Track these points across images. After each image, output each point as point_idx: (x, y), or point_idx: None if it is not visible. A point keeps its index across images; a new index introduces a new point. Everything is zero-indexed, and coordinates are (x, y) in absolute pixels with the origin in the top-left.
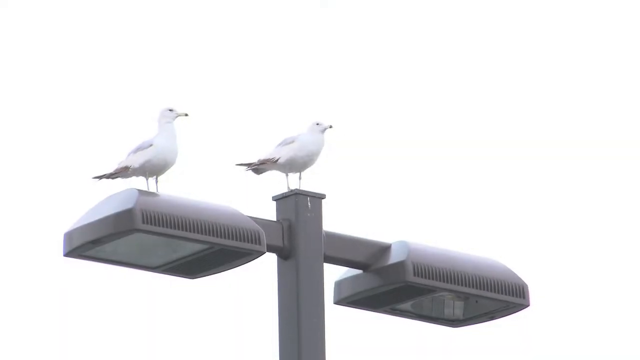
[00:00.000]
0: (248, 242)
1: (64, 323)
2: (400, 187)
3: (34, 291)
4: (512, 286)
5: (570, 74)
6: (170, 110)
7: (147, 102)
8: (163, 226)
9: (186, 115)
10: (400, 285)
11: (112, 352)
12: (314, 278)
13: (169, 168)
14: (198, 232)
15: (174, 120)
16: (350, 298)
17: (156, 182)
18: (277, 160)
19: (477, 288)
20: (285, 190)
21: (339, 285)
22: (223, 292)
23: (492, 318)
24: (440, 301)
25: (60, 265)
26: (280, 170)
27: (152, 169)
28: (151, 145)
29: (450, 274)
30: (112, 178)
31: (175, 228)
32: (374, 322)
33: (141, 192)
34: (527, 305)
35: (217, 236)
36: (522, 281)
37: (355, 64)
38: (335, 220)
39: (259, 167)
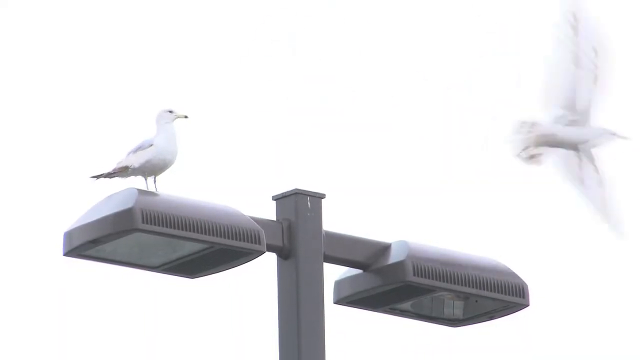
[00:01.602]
0: (248, 241)
1: (64, 322)
2: (401, 187)
3: (34, 291)
4: (512, 286)
5: None
6: (170, 111)
7: (147, 102)
8: (163, 226)
9: (186, 117)
10: (400, 285)
11: (112, 352)
12: (313, 278)
13: (168, 168)
14: (198, 232)
15: (172, 121)
16: (350, 298)
17: (154, 182)
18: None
19: (477, 288)
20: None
21: (338, 284)
22: (223, 291)
23: (492, 318)
24: (440, 301)
25: (60, 264)
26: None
27: (152, 169)
28: (151, 145)
29: (450, 273)
30: (110, 177)
31: (175, 228)
32: (373, 322)
33: (141, 192)
34: (527, 305)
35: (217, 236)
36: (522, 281)
37: (355, 64)
38: (335, 220)
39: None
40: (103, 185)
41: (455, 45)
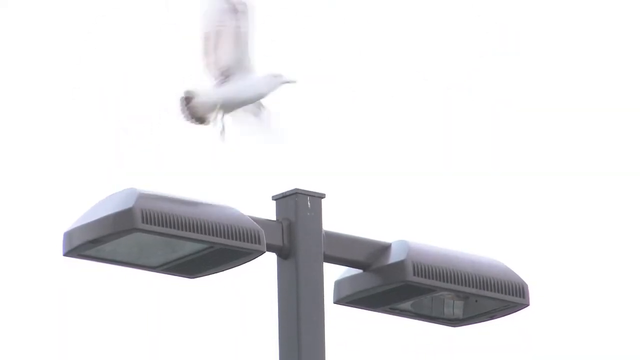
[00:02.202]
0: (248, 241)
1: (64, 322)
2: (401, 187)
3: (34, 291)
4: (512, 286)
5: (571, 75)
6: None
7: (147, 101)
8: (163, 226)
9: (294, 82)
10: (400, 285)
11: (112, 351)
12: (313, 277)
13: (240, 105)
14: (198, 232)
15: (279, 85)
16: (350, 297)
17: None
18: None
19: (477, 287)
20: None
21: (338, 284)
22: (223, 291)
23: (492, 317)
24: (440, 300)
25: (60, 264)
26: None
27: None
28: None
29: (450, 273)
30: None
31: (174, 227)
32: (373, 322)
33: (141, 192)
34: (527, 305)
35: (217, 236)
36: (522, 281)
37: (355, 64)
38: (335, 219)
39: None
40: (103, 186)
41: (455, 45)
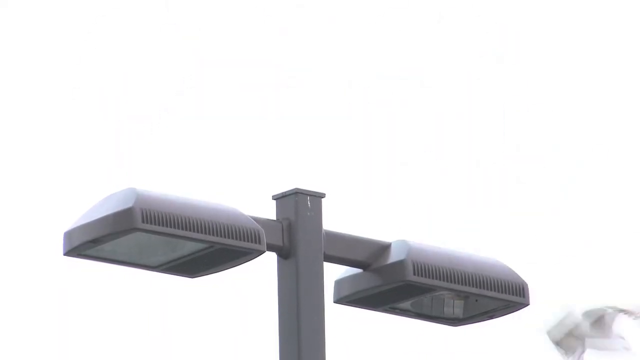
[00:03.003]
0: (248, 241)
1: (64, 322)
2: (401, 187)
3: (34, 290)
4: (512, 285)
5: (574, 75)
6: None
7: (146, 102)
8: (163, 225)
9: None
10: (400, 284)
11: (112, 351)
12: (313, 277)
13: None
14: (198, 231)
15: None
16: (350, 297)
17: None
18: None
19: (477, 287)
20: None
21: (338, 284)
22: (223, 291)
23: (492, 317)
24: (440, 300)
25: (60, 264)
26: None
27: None
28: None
29: (450, 273)
30: None
31: (174, 227)
32: (373, 321)
33: (140, 192)
34: (527, 304)
35: (217, 235)
36: (522, 280)
37: (354, 65)
38: (335, 219)
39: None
40: (103, 186)
41: (455, 45)
